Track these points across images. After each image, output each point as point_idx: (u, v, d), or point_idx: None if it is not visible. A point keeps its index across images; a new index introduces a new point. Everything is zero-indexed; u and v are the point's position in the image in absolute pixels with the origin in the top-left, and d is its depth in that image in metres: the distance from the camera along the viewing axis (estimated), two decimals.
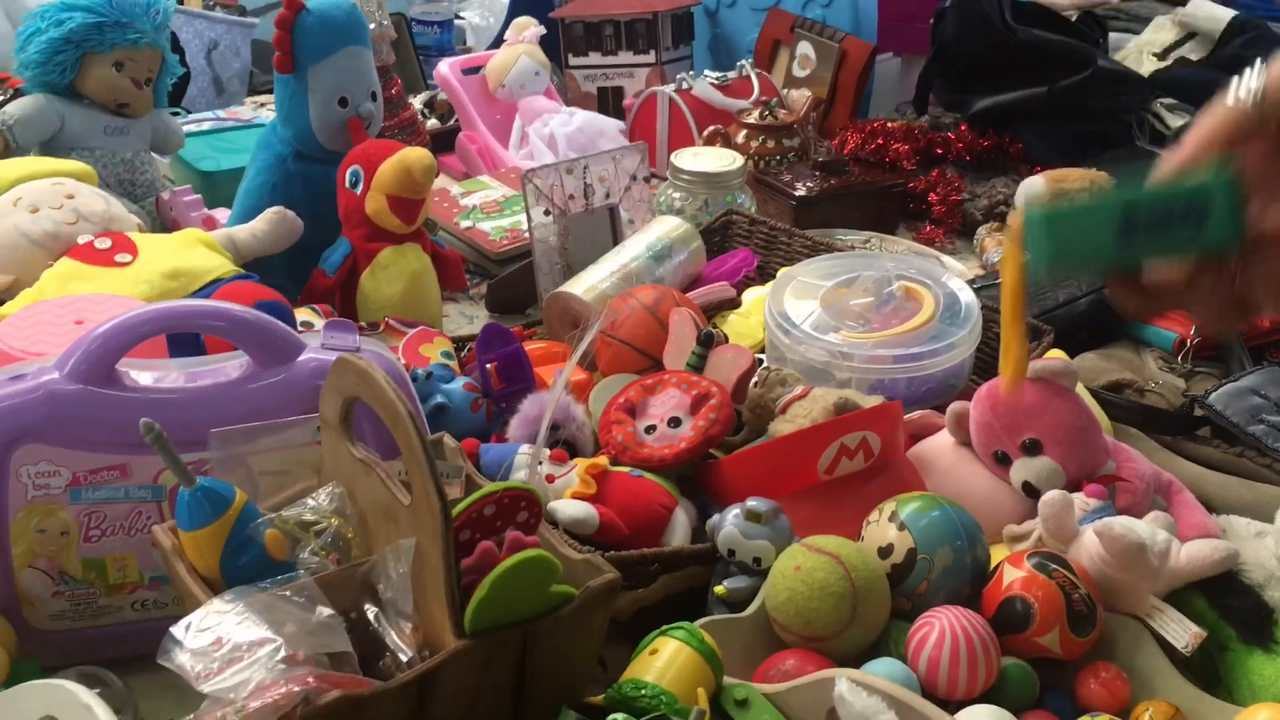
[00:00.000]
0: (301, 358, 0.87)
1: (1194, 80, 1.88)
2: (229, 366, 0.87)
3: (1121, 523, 0.84)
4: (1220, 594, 0.85)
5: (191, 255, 1.14)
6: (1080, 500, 0.90)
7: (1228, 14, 1.93)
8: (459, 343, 1.21)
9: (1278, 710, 0.75)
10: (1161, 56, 1.99)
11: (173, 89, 1.50)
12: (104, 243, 1.12)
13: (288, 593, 0.71)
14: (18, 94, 1.45)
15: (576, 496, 0.93)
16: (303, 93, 1.28)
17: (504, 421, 1.05)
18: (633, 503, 0.94)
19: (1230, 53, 1.89)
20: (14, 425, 0.80)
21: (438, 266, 1.29)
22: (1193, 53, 1.96)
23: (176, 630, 0.67)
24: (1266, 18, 1.95)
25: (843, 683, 0.71)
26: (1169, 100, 1.85)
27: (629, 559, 0.87)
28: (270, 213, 1.25)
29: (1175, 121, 1.81)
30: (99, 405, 0.81)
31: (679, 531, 0.94)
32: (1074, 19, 1.94)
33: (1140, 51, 2.03)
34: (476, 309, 1.46)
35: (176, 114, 1.75)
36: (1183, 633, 0.82)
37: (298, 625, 0.69)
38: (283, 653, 0.66)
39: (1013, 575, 0.82)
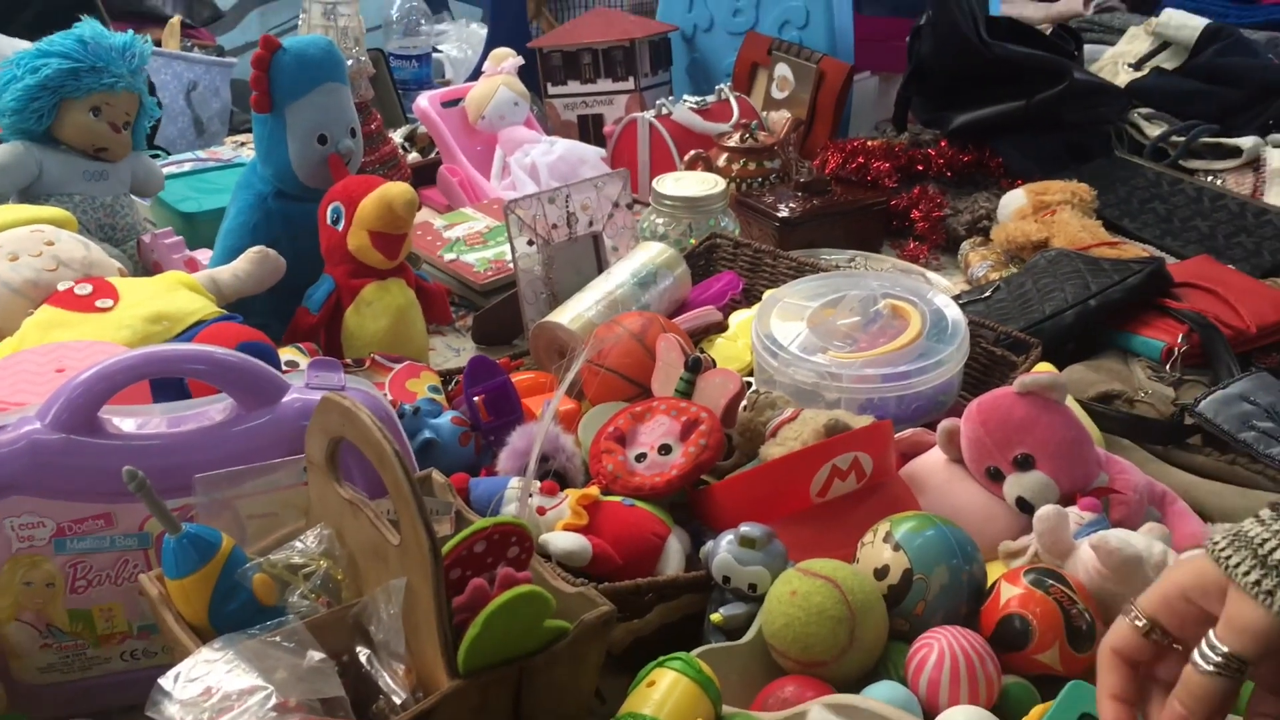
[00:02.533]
0: (286, 398, 0.87)
1: (1170, 89, 1.89)
2: (213, 410, 0.86)
3: (1117, 535, 0.83)
4: None
5: (174, 298, 1.13)
6: (1074, 514, 0.90)
7: (1200, 22, 1.95)
8: (446, 376, 1.21)
9: None
10: (1136, 67, 2.00)
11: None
12: (85, 289, 1.11)
13: (277, 638, 0.70)
14: None
15: (568, 528, 0.92)
16: (281, 131, 1.28)
17: (493, 455, 1.05)
18: (625, 532, 0.93)
19: (1204, 61, 1.91)
20: None
21: (422, 300, 1.29)
22: (1167, 62, 1.97)
23: (165, 681, 0.66)
24: (1238, 24, 1.96)
25: (815, 710, 0.71)
26: (1146, 110, 1.86)
27: (623, 590, 0.86)
28: (252, 252, 1.24)
29: (1152, 131, 1.82)
30: (82, 454, 0.80)
31: (673, 560, 0.93)
32: (1048, 32, 1.95)
33: (1115, 62, 2.04)
34: (463, 341, 1.45)
35: (156, 156, 1.75)
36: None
37: (288, 671, 0.68)
38: (274, 700, 0.65)
39: (1010, 592, 0.82)
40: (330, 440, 0.75)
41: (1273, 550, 0.54)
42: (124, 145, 1.41)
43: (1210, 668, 0.55)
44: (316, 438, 0.76)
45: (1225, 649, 0.55)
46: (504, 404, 1.10)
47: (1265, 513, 0.57)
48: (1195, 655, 0.56)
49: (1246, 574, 0.54)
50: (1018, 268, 1.49)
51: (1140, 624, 0.60)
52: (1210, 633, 0.56)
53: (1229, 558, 0.56)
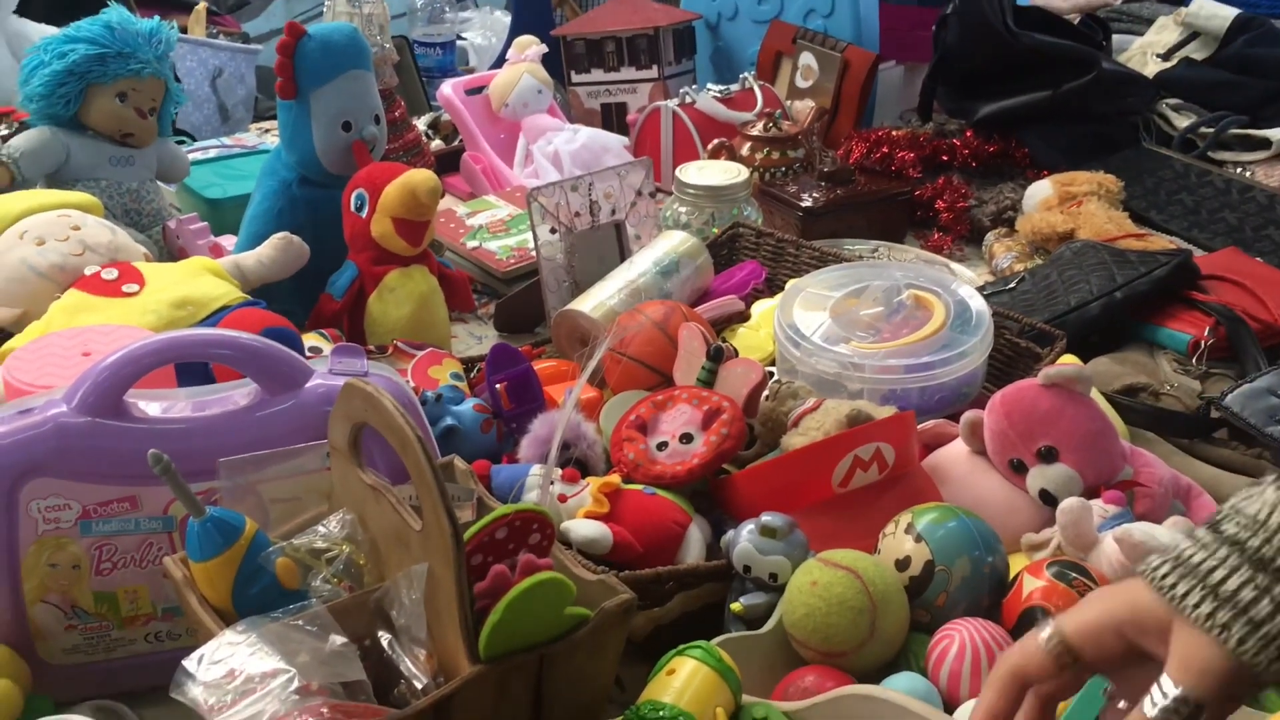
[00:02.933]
0: (309, 384, 0.87)
1: (1199, 80, 1.87)
2: (237, 394, 0.86)
3: (1141, 529, 0.83)
4: None
5: (198, 283, 1.14)
6: (1098, 507, 0.89)
7: (1231, 12, 1.92)
8: (468, 363, 1.21)
9: None
10: (1165, 57, 1.98)
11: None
12: (111, 273, 1.12)
13: (300, 622, 0.70)
14: (23, 127, 1.45)
15: (589, 516, 0.92)
16: (306, 118, 1.28)
17: (515, 442, 1.05)
18: (646, 521, 0.93)
19: (1234, 51, 1.89)
20: (23, 459, 0.80)
21: (445, 287, 1.29)
22: (1196, 52, 1.95)
23: (189, 663, 0.66)
24: (1269, 15, 1.94)
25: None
26: (1174, 100, 1.84)
27: (644, 578, 0.86)
28: (276, 238, 1.25)
29: (1181, 122, 1.80)
30: (107, 437, 0.81)
31: (693, 548, 0.93)
32: (1076, 22, 1.93)
33: (1144, 52, 2.02)
34: (485, 329, 1.46)
35: (182, 142, 1.76)
36: None
37: (311, 655, 0.68)
38: (296, 683, 0.65)
39: (1032, 585, 0.81)
40: (353, 426, 0.75)
41: (1222, 580, 0.50)
42: (150, 131, 1.42)
43: (1160, 714, 0.51)
44: (339, 423, 0.77)
45: (1179, 691, 0.50)
46: (526, 391, 1.10)
47: (1201, 533, 0.53)
48: (1145, 704, 0.51)
49: (1197, 606, 0.50)
50: (1043, 259, 1.48)
51: (1058, 652, 0.55)
52: (1164, 676, 0.51)
53: (1174, 587, 0.51)
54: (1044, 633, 0.56)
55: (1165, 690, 0.51)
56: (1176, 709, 0.50)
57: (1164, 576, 0.52)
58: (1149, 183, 1.68)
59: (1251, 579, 0.49)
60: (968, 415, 1.00)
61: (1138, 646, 0.54)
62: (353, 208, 1.24)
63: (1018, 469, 0.96)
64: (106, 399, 0.81)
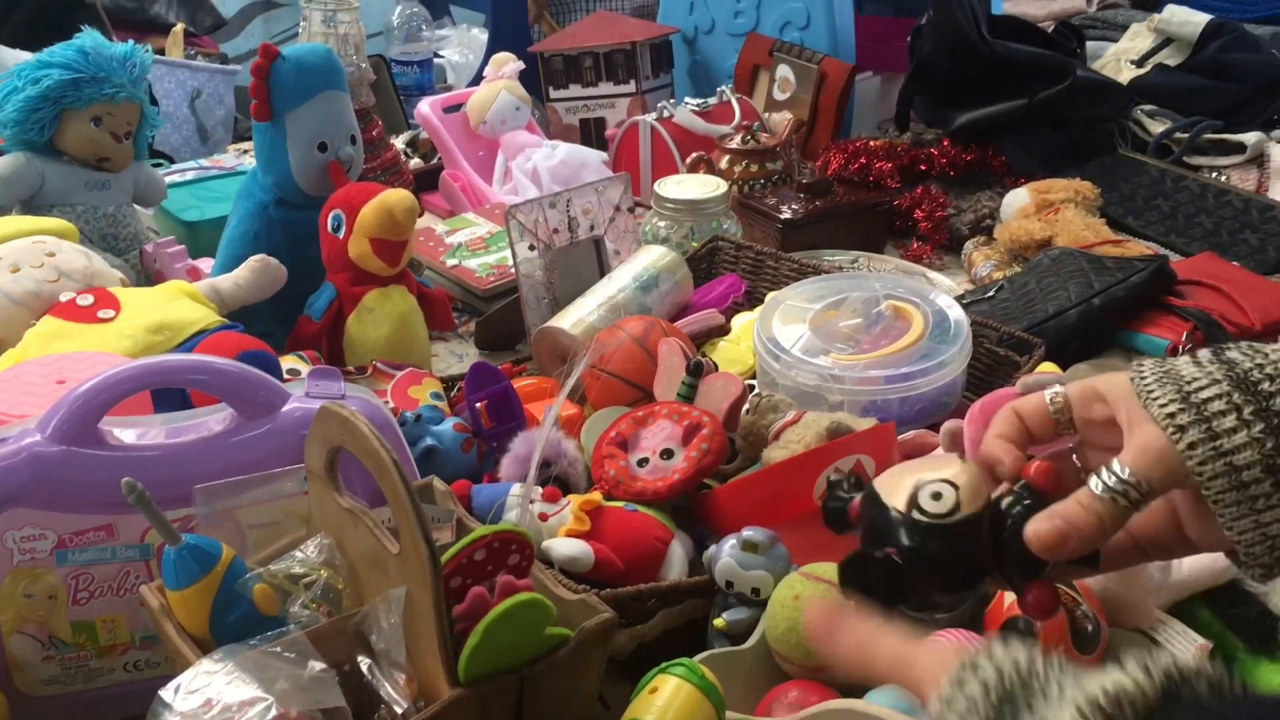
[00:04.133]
0: (286, 408, 0.86)
1: (1173, 86, 1.89)
2: (212, 420, 0.86)
3: None
4: (1225, 604, 0.84)
5: (175, 308, 1.13)
6: None
7: (1203, 18, 1.94)
8: (448, 382, 1.20)
9: None
10: (1139, 63, 2.00)
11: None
12: (86, 299, 1.11)
13: (278, 649, 0.69)
14: None
15: (571, 534, 0.92)
16: (281, 139, 1.28)
17: (496, 461, 1.05)
18: (628, 538, 0.93)
19: (1207, 57, 1.90)
20: None
21: (424, 306, 1.29)
22: (1170, 58, 1.97)
23: (165, 693, 0.65)
24: (1241, 19, 1.96)
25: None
26: (1149, 106, 1.86)
27: (626, 595, 0.86)
28: (253, 261, 1.24)
29: (1156, 128, 1.81)
30: (82, 466, 0.80)
31: (676, 564, 0.93)
32: (1050, 30, 1.94)
33: (1118, 59, 2.04)
34: (466, 347, 1.45)
35: (159, 164, 1.75)
36: (1188, 645, 0.81)
37: (289, 682, 0.67)
38: (274, 711, 0.65)
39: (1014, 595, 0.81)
40: (329, 449, 0.75)
41: (1200, 388, 0.50)
42: (126, 155, 1.41)
43: (1104, 492, 0.51)
44: (316, 447, 0.76)
45: (1127, 473, 0.51)
46: (506, 410, 1.10)
47: (1204, 354, 0.53)
48: (1092, 479, 0.52)
49: (1164, 406, 0.51)
50: (1021, 267, 1.48)
51: (1055, 398, 0.57)
52: (1114, 460, 0.52)
53: (1150, 389, 0.52)
54: (1050, 392, 0.58)
55: (1115, 470, 0.51)
56: (1124, 490, 0.51)
57: (1145, 379, 0.53)
58: (1125, 189, 1.69)
59: (1227, 394, 0.50)
60: (947, 425, 0.99)
61: (1109, 418, 0.55)
62: (330, 229, 1.23)
63: None
64: (80, 427, 0.81)
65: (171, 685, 0.66)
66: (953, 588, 0.55)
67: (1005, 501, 0.55)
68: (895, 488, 0.55)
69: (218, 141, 2.11)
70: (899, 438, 1.02)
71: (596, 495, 0.96)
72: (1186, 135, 1.77)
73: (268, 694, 0.65)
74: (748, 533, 0.87)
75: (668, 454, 0.99)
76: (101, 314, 1.10)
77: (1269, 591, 0.85)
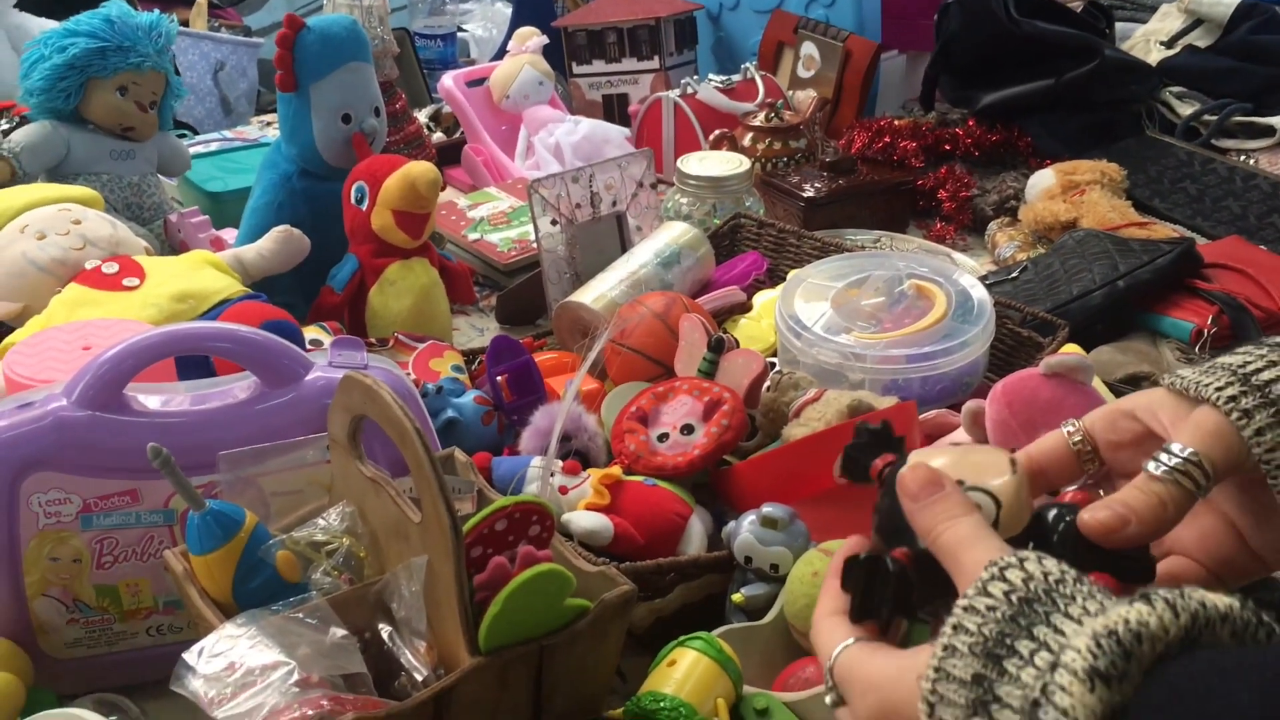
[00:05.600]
0: (309, 377, 0.87)
1: (1202, 67, 1.87)
2: (237, 388, 0.86)
3: None
4: (1248, 589, 0.84)
5: (199, 277, 1.14)
6: None
7: None
8: (469, 356, 1.21)
9: None
10: (1169, 44, 1.97)
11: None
12: (111, 267, 1.12)
13: (300, 614, 0.70)
14: (23, 121, 1.45)
15: (590, 508, 0.92)
16: (305, 110, 1.28)
17: (516, 434, 1.05)
18: (647, 512, 0.93)
19: (1238, 38, 1.88)
20: (24, 454, 0.80)
21: (446, 280, 1.29)
22: (1200, 40, 1.94)
23: (189, 656, 0.66)
24: (1273, 1, 1.93)
25: None
26: (1177, 88, 1.84)
27: (644, 569, 0.86)
28: (276, 231, 1.25)
29: (1184, 109, 1.80)
30: (107, 431, 0.81)
31: (695, 540, 0.93)
32: (1079, 10, 1.92)
33: (1147, 40, 2.02)
34: (486, 321, 1.46)
35: (183, 136, 1.76)
36: None
37: (311, 647, 0.68)
38: (296, 675, 0.65)
39: None
40: (352, 418, 0.75)
41: (1258, 370, 0.48)
42: (150, 124, 1.42)
43: (1166, 473, 0.48)
44: (339, 416, 0.77)
45: (1188, 451, 0.48)
46: (527, 383, 1.10)
47: (1243, 346, 0.50)
48: (1150, 463, 0.49)
49: (1221, 389, 0.48)
50: (1045, 248, 1.47)
51: (1073, 434, 0.54)
52: (1172, 442, 0.49)
53: (1199, 381, 0.49)
54: (1067, 428, 0.55)
55: (1173, 450, 0.48)
56: (1185, 470, 0.47)
57: (1183, 376, 0.50)
58: (1152, 171, 1.67)
59: (1264, 355, 0.48)
60: (969, 405, 1.00)
61: (1146, 430, 0.52)
62: (353, 200, 1.24)
63: None
64: (106, 393, 0.81)
65: (195, 648, 0.67)
66: None
67: (1050, 513, 0.51)
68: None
69: (241, 114, 2.12)
70: (920, 417, 1.02)
71: (616, 469, 0.96)
72: (1215, 118, 1.75)
73: (290, 659, 0.66)
74: (767, 509, 0.87)
75: (688, 429, 0.99)
76: (127, 282, 1.11)
77: None
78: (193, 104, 2.04)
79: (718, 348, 1.07)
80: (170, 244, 1.43)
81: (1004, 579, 0.43)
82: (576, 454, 1.01)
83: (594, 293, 1.26)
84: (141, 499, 0.82)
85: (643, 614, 0.87)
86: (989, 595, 0.42)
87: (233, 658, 0.66)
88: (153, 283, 1.11)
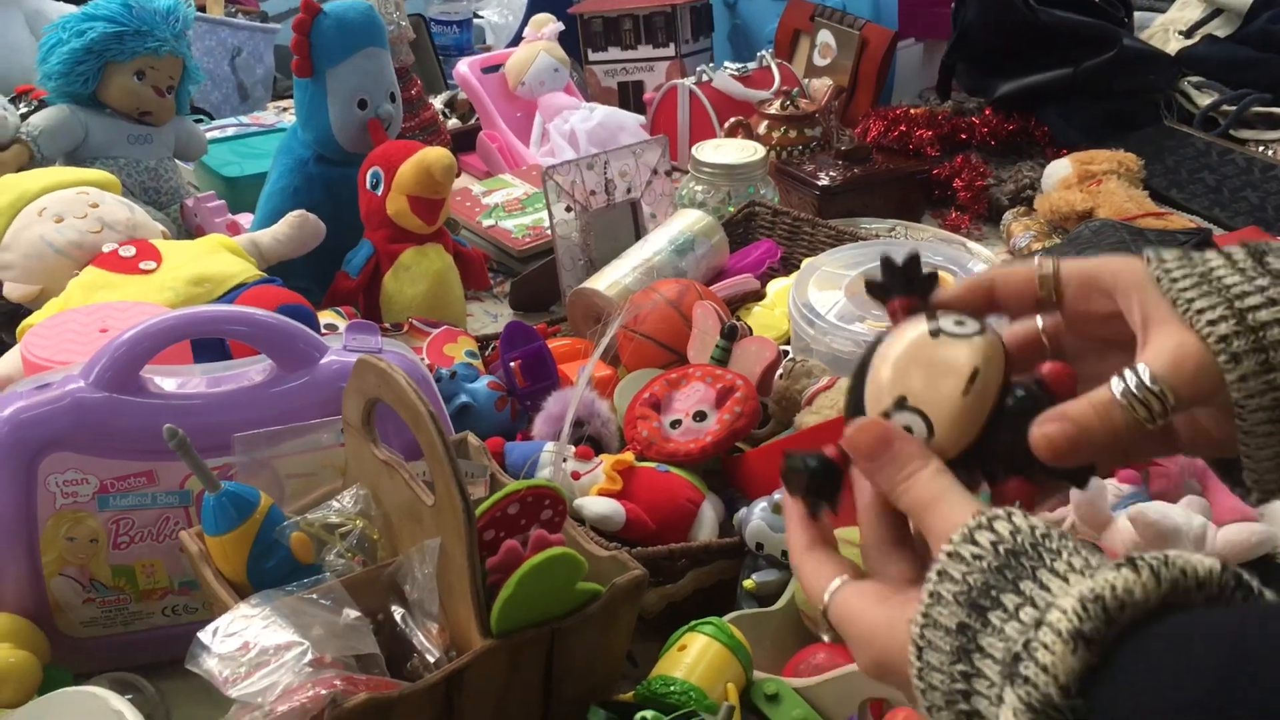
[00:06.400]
0: (324, 360, 0.87)
1: (1221, 57, 1.85)
2: (252, 371, 0.87)
3: (1156, 508, 0.82)
4: (1259, 578, 0.84)
5: (215, 261, 1.14)
6: (1113, 486, 0.89)
7: None
8: (483, 341, 1.21)
9: None
10: (1188, 34, 1.96)
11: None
12: (128, 250, 1.13)
13: (314, 595, 0.71)
14: (41, 105, 1.46)
15: (603, 493, 0.93)
16: (322, 96, 1.28)
17: (529, 420, 1.05)
18: (659, 498, 0.93)
19: (1257, 28, 1.86)
20: (42, 434, 0.81)
21: (460, 266, 1.29)
22: (1219, 29, 1.93)
23: (204, 635, 0.67)
24: None
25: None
26: (1196, 78, 1.83)
27: (656, 555, 0.86)
28: (292, 216, 1.25)
29: (1203, 100, 1.78)
30: (124, 412, 0.82)
31: (706, 526, 0.94)
32: None
33: (1166, 30, 2.00)
34: (500, 307, 1.46)
35: (200, 120, 1.76)
36: None
37: (325, 628, 0.68)
38: (310, 655, 0.66)
39: None
40: (366, 401, 0.76)
41: (1255, 307, 0.44)
42: (168, 109, 1.43)
43: (1126, 398, 0.45)
44: (353, 399, 0.77)
45: (1160, 387, 0.44)
46: (540, 369, 1.10)
47: (1242, 257, 0.46)
48: (1114, 380, 0.45)
49: (1214, 323, 0.44)
50: (1061, 238, 1.47)
51: (1043, 273, 0.50)
52: (1138, 363, 0.45)
53: (1188, 295, 0.45)
54: (1039, 268, 0.50)
55: (1141, 375, 0.45)
56: (1147, 401, 0.44)
57: (1173, 275, 0.46)
58: (1170, 161, 1.67)
59: (1264, 288, 0.44)
60: None
61: (1110, 309, 0.48)
62: (368, 185, 1.24)
63: None
64: (123, 374, 0.82)
65: (210, 628, 0.67)
66: None
67: (1008, 399, 0.47)
68: (885, 388, 0.48)
69: (257, 100, 2.12)
70: None
71: (629, 455, 0.97)
72: (1234, 108, 1.74)
73: (304, 639, 0.66)
74: (779, 495, 0.87)
75: (700, 416, 0.99)
76: (143, 265, 1.11)
77: None
78: (209, 90, 2.05)
79: (731, 335, 1.07)
80: (187, 228, 1.43)
81: (991, 529, 0.42)
82: (589, 440, 1.01)
83: (608, 280, 1.26)
84: (158, 480, 0.83)
85: (654, 599, 0.87)
86: (975, 544, 0.42)
87: (247, 637, 0.66)
88: (169, 266, 1.12)
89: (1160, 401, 0.44)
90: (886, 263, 0.50)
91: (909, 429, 0.47)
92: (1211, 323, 0.44)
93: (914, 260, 0.50)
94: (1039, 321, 0.52)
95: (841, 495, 0.50)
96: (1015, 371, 0.48)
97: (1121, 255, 0.49)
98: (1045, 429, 0.45)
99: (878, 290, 0.50)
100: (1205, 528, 0.83)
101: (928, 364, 0.47)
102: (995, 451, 0.47)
